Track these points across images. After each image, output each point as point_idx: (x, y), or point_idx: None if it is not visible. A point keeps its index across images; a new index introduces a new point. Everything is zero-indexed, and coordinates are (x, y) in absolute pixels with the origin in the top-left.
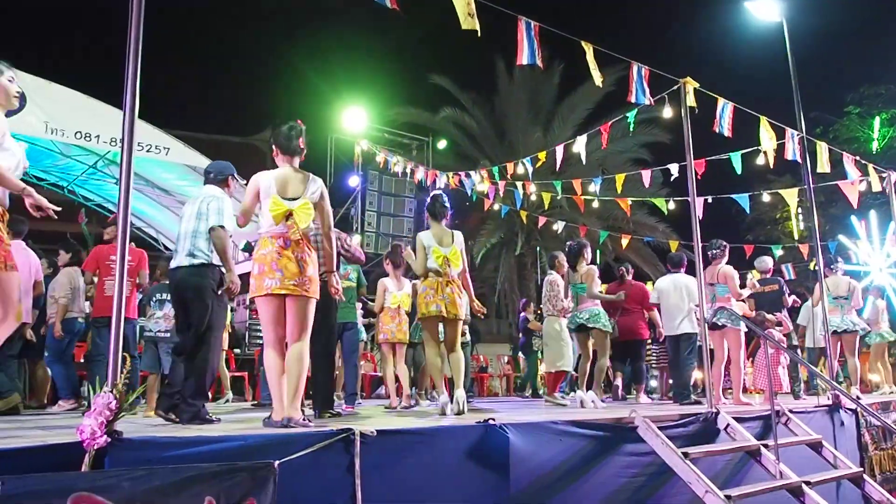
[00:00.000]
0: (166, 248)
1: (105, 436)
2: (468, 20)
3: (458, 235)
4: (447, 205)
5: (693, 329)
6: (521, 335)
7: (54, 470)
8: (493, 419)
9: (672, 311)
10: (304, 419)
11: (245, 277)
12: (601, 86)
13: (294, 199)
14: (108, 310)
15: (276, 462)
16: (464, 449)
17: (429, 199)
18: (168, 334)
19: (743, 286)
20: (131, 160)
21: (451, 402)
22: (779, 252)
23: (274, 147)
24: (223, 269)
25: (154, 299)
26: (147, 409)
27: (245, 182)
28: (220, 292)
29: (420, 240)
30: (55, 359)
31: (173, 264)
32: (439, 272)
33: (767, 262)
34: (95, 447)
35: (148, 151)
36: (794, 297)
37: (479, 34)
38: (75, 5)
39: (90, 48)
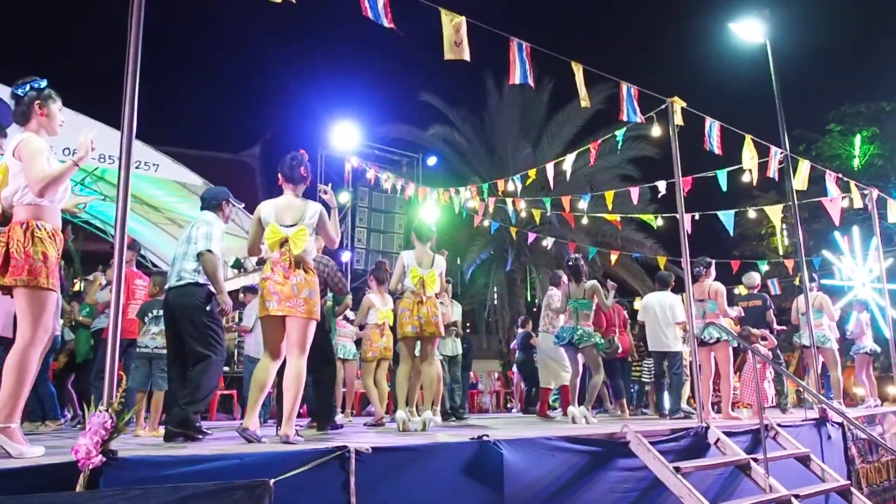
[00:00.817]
0: (153, 264)
1: (100, 455)
2: (454, 49)
3: (440, 260)
4: (433, 229)
5: (679, 346)
6: (518, 351)
7: (49, 490)
8: (487, 435)
9: (657, 328)
10: (297, 435)
11: (234, 294)
12: (588, 106)
13: (291, 226)
14: (131, 332)
15: (272, 480)
16: (458, 465)
17: (416, 223)
18: (164, 350)
19: (731, 304)
20: (129, 179)
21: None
22: (764, 267)
23: (280, 176)
24: (212, 289)
25: (149, 315)
26: (137, 428)
27: (242, 205)
28: (209, 308)
29: (401, 258)
30: (45, 378)
31: (166, 286)
32: (414, 291)
33: (755, 277)
34: (90, 467)
35: (137, 168)
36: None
37: (468, 60)
38: (66, 21)
39: (79, 64)
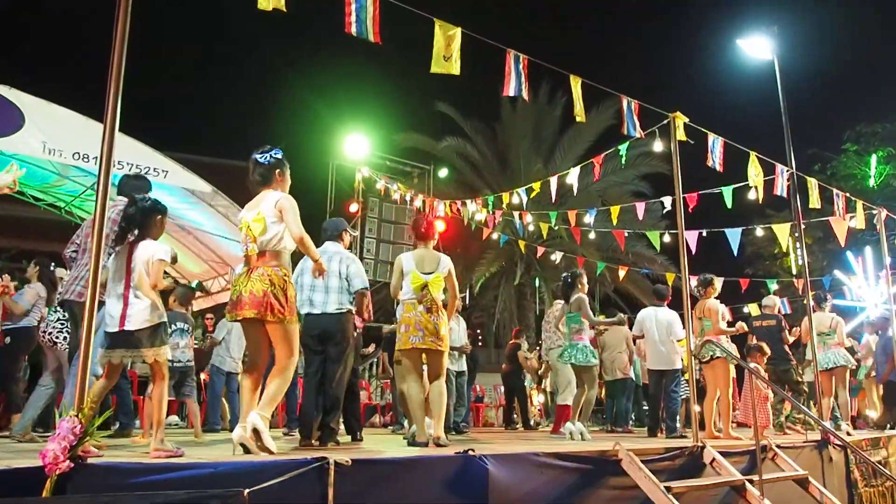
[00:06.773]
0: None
1: (68, 461)
2: (441, 63)
3: (446, 260)
4: (439, 227)
5: (678, 364)
6: (508, 364)
7: (14, 495)
8: (473, 450)
9: (654, 344)
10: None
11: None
12: (583, 121)
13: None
14: None
15: (246, 491)
16: (442, 480)
17: (415, 218)
18: (192, 363)
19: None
20: (108, 177)
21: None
22: (774, 286)
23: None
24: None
25: (174, 328)
26: (142, 435)
27: (356, 233)
28: (356, 334)
29: (399, 260)
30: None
31: (317, 311)
32: (417, 299)
33: (774, 301)
34: (58, 472)
35: (146, 174)
36: (795, 328)
37: (457, 74)
38: (78, 26)
39: (91, 69)
